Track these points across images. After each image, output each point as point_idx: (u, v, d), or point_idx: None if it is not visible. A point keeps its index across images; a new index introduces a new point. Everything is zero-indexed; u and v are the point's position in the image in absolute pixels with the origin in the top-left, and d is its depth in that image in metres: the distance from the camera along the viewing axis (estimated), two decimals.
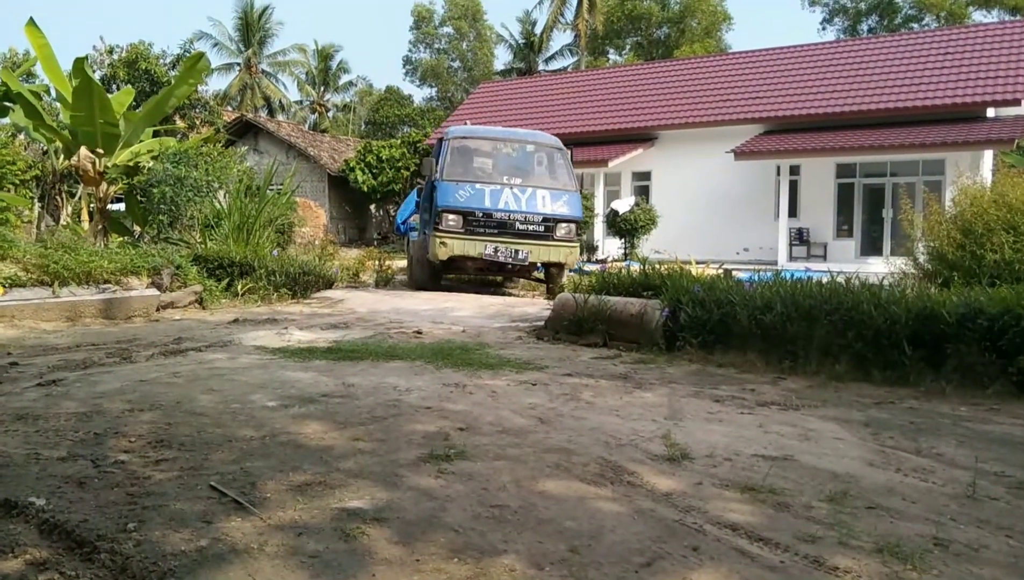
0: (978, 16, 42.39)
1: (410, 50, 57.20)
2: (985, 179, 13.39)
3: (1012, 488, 3.45)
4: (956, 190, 10.28)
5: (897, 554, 2.70)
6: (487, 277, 13.65)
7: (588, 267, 14.12)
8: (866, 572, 2.57)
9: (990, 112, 19.98)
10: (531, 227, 11.79)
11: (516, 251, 11.67)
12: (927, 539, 2.85)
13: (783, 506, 3.16)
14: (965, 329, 5.38)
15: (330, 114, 55.31)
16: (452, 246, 11.57)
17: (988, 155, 19.22)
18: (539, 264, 12.18)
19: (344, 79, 56.36)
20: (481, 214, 11.64)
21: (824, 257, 20.80)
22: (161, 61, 23.19)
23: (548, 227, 11.94)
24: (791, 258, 20.80)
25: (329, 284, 11.69)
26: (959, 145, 18.63)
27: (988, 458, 3.87)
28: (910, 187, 19.25)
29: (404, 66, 57.57)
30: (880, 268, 10.74)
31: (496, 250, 11.60)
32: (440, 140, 13.02)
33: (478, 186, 11.85)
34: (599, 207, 23.45)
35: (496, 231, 11.68)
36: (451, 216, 11.57)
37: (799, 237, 21.88)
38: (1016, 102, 19.49)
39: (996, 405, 5.01)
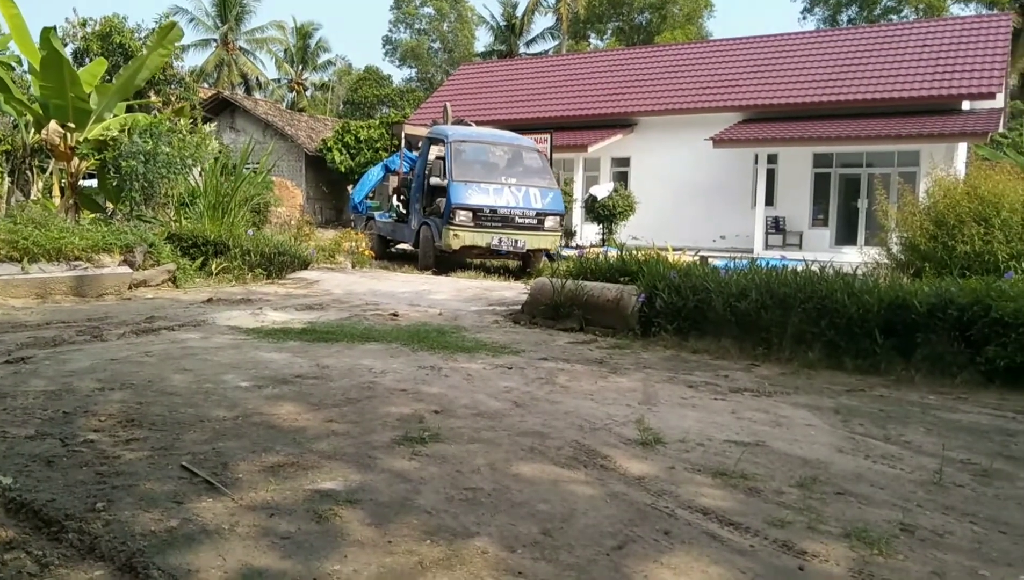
0: (956, 9, 42.78)
1: (390, 30, 56.88)
2: (959, 171, 13.53)
3: (977, 475, 3.51)
4: (930, 182, 10.38)
5: (864, 539, 2.74)
6: (467, 260, 14.41)
7: (566, 252, 14.24)
8: (834, 557, 2.61)
9: (965, 105, 20.19)
10: (527, 220, 13.71)
11: (516, 241, 13.56)
12: (894, 524, 2.90)
13: (754, 491, 3.20)
14: (935, 319, 5.45)
15: (308, 93, 54.68)
16: (464, 237, 13.29)
17: (962, 147, 19.46)
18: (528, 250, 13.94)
19: (323, 58, 55.82)
20: (488, 210, 13.43)
21: (800, 246, 20.97)
22: (136, 35, 22.80)
23: (540, 220, 13.86)
24: (767, 246, 20.95)
25: (305, 265, 11.61)
26: (934, 137, 18.82)
27: (955, 446, 3.94)
28: (885, 178, 19.40)
29: (384, 46, 57.40)
30: (854, 257, 10.85)
31: (500, 241, 13.44)
32: (430, 139, 14.77)
33: (483, 186, 13.63)
34: (578, 192, 23.45)
35: (500, 224, 13.49)
36: (463, 212, 13.27)
37: (775, 226, 22.03)
38: (991, 96, 19.71)
39: (964, 394, 5.10)
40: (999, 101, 20.40)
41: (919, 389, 5.22)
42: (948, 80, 20.48)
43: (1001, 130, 22.44)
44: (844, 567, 2.54)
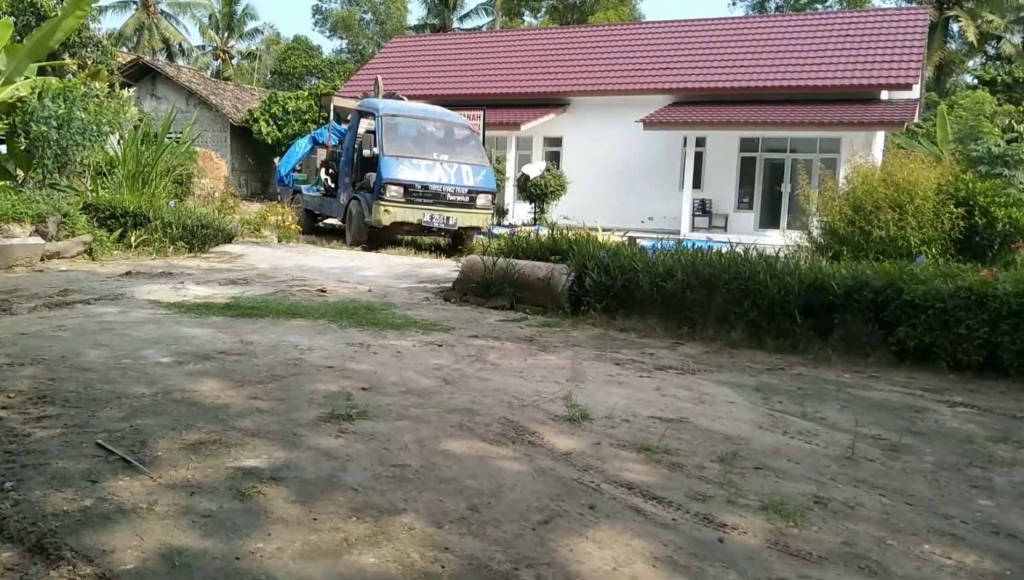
0: (877, 1, 44.11)
1: None
2: (876, 159, 14.02)
3: (887, 450, 3.67)
4: (850, 168, 10.73)
5: (781, 512, 2.84)
6: (398, 236, 14.22)
7: (498, 230, 14.24)
8: (752, 529, 2.70)
9: (884, 95, 20.88)
10: (459, 198, 13.57)
11: (447, 218, 13.43)
12: (809, 498, 3.01)
13: (677, 466, 3.28)
14: (852, 300, 5.67)
15: (234, 62, 52.90)
16: (394, 213, 13.05)
17: (880, 136, 20.15)
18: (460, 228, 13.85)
19: (250, 25, 53.88)
20: (420, 186, 13.23)
21: (725, 228, 21.43)
22: None
23: (472, 197, 13.73)
24: (693, 228, 21.34)
25: (229, 238, 11.31)
26: (854, 125, 19.44)
27: (867, 422, 4.11)
28: (808, 163, 19.96)
29: (314, 16, 55.77)
30: (777, 240, 11.14)
31: (432, 217, 13.29)
32: (361, 112, 14.54)
33: (415, 161, 13.41)
34: (510, 171, 23.42)
35: (431, 201, 13.32)
36: (394, 188, 13.03)
37: (702, 208, 22.46)
38: (908, 86, 20.43)
39: (876, 373, 5.32)
40: (915, 92, 21.17)
41: (835, 368, 5.42)
42: (869, 70, 21.14)
43: (916, 120, 23.30)
44: (761, 538, 2.63)
